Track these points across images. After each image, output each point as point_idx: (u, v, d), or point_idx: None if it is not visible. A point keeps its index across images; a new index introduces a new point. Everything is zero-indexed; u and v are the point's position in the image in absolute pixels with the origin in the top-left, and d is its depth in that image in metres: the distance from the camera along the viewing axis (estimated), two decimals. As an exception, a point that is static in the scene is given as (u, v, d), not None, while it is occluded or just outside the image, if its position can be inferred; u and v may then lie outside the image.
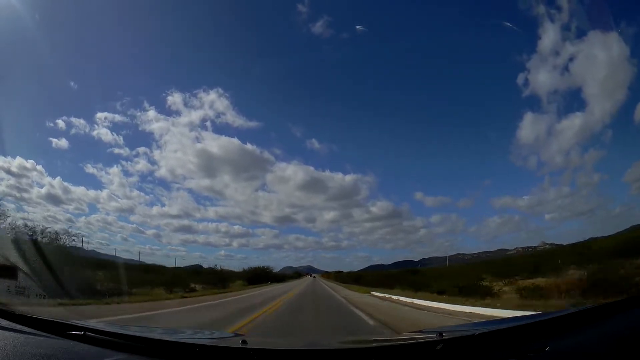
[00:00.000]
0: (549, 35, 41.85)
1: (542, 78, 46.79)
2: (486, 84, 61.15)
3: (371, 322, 9.51)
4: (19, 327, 1.61)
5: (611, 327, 1.53)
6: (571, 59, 40.71)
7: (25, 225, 16.20)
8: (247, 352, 1.42)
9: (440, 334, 1.63)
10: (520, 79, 47.84)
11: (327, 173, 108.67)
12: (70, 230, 18.32)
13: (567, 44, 39.62)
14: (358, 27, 63.10)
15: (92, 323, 1.92)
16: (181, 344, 1.65)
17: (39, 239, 15.05)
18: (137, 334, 1.79)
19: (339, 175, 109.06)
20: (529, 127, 53.41)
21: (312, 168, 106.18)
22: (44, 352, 1.37)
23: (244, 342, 1.61)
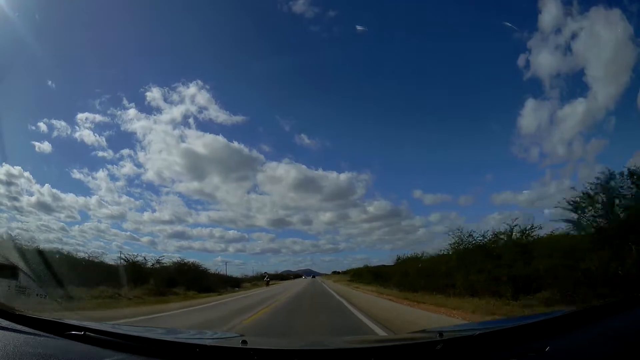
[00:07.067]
0: (549, 10, 40.85)
1: (543, 59, 45.44)
2: (486, 67, 59.53)
3: None
4: (19, 327, 1.61)
5: (611, 327, 1.53)
6: (573, 37, 39.53)
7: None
8: (247, 352, 1.42)
9: (441, 333, 1.63)
10: (521, 61, 46.56)
11: (320, 171, 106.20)
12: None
13: (569, 20, 38.62)
14: (358, 28, 61.25)
15: (92, 323, 1.91)
16: (181, 344, 1.65)
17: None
18: (137, 334, 1.79)
19: (333, 174, 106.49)
20: (530, 114, 51.75)
21: (304, 166, 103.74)
22: (44, 352, 1.37)
23: (244, 342, 1.61)
